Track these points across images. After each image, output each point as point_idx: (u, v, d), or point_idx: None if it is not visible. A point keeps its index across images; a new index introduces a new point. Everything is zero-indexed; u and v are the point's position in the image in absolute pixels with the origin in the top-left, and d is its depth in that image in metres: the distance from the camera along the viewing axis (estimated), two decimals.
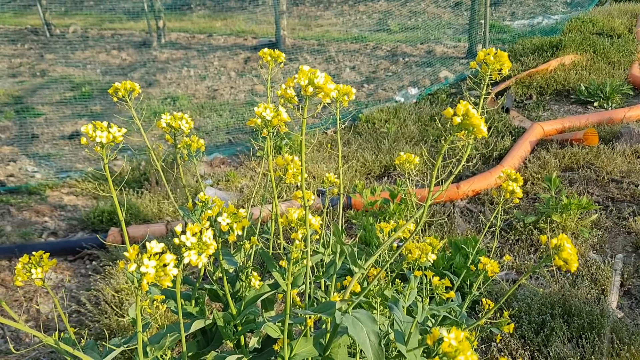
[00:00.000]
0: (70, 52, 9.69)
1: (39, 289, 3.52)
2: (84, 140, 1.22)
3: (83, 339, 1.49)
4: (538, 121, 5.39)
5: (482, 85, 1.36)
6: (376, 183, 4.55)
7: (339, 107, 1.38)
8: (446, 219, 3.84)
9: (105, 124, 1.22)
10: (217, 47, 9.67)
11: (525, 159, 4.64)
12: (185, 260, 1.05)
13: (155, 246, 1.06)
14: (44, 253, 1.31)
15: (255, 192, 1.94)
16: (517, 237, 3.61)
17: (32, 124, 6.57)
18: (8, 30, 11.32)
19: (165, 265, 1.06)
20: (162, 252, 1.06)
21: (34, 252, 1.32)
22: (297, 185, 4.55)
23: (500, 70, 1.32)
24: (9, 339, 3.12)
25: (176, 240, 1.07)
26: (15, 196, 4.81)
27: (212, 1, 12.82)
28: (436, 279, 1.72)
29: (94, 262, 3.79)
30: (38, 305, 3.38)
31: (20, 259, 1.29)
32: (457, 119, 1.21)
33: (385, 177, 4.71)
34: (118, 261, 3.58)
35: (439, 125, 4.65)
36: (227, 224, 1.18)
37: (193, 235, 1.06)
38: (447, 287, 1.73)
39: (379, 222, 2.92)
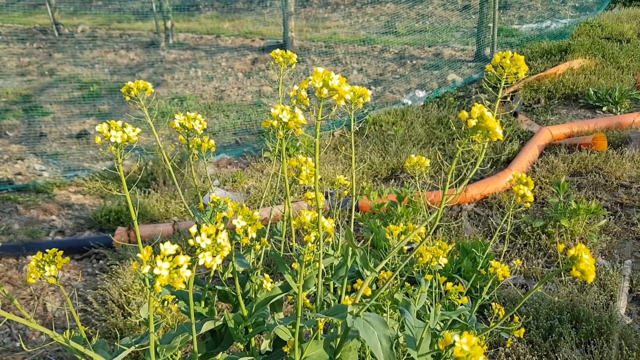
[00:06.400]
0: (78, 51, 9.72)
1: (47, 287, 3.52)
2: (98, 139, 1.22)
3: (93, 337, 1.49)
4: (546, 125, 5.37)
5: (497, 88, 1.36)
6: (383, 185, 4.54)
7: (353, 109, 1.38)
8: (454, 223, 3.82)
9: (119, 123, 1.22)
10: (225, 48, 9.69)
11: (534, 163, 4.62)
12: (200, 262, 1.05)
13: (168, 247, 1.06)
14: (57, 251, 1.31)
15: (266, 192, 1.93)
16: (525, 241, 3.60)
17: (40, 123, 6.59)
18: (17, 29, 11.37)
19: (178, 267, 1.05)
20: (176, 254, 1.05)
21: (47, 250, 1.32)
22: (304, 187, 4.55)
23: (517, 73, 1.31)
24: (16, 337, 3.12)
25: (191, 242, 1.07)
26: (23, 194, 4.83)
27: (220, 2, 12.84)
28: (449, 284, 1.71)
29: (100, 261, 3.80)
30: (47, 302, 3.38)
31: (33, 257, 1.29)
32: (473, 122, 1.20)
33: (393, 180, 4.70)
34: (125, 260, 3.58)
35: (448, 128, 4.62)
36: (242, 226, 1.18)
37: (208, 236, 1.05)
38: (459, 292, 1.72)
39: (387, 225, 2.91)
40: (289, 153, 5.00)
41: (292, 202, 4.06)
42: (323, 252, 1.49)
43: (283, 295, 1.64)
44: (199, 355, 1.64)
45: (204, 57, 9.20)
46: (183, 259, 1.05)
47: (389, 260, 1.72)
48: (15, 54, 9.64)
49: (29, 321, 1.37)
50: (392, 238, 1.78)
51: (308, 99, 1.33)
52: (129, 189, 1.35)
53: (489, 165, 4.76)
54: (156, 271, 1.03)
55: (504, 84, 1.32)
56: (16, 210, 4.54)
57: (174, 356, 1.45)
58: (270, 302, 1.62)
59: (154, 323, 1.34)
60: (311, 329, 1.82)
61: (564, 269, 1.24)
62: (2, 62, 9.21)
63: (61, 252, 1.32)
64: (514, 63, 1.30)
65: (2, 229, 4.22)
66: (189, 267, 1.06)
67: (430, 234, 1.37)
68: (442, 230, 3.72)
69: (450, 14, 10.67)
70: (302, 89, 1.29)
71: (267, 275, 1.62)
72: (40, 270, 1.28)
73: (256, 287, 1.63)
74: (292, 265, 1.55)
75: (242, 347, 1.65)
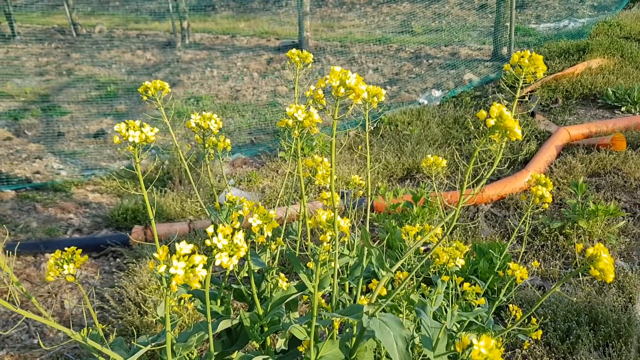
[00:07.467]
0: (96, 51, 9.82)
1: (64, 284, 3.56)
2: (116, 139, 1.23)
3: (110, 335, 1.50)
4: (564, 125, 5.31)
5: (515, 87, 1.34)
6: (398, 185, 4.52)
7: (368, 109, 1.37)
8: (470, 223, 3.80)
9: (137, 123, 1.23)
10: (241, 48, 9.72)
11: (551, 164, 4.57)
12: (217, 262, 1.05)
13: (184, 247, 1.06)
14: (76, 249, 1.32)
15: (282, 192, 1.94)
16: (543, 242, 3.56)
17: (58, 122, 6.66)
18: (35, 30, 11.51)
19: (194, 267, 1.05)
20: (192, 253, 1.06)
21: (66, 248, 1.33)
22: (319, 187, 4.55)
23: (535, 73, 1.29)
24: (34, 334, 3.16)
25: (208, 242, 1.07)
26: (41, 193, 4.89)
27: (236, 2, 12.89)
28: (466, 284, 1.70)
29: (117, 260, 3.83)
30: (64, 300, 3.42)
31: (52, 255, 1.30)
32: (491, 121, 1.19)
33: (408, 180, 4.68)
34: (142, 259, 3.61)
35: (464, 128, 4.58)
36: (258, 225, 1.18)
37: (225, 237, 1.05)
38: (477, 293, 1.71)
39: (402, 226, 2.90)
40: (304, 153, 5.00)
41: (307, 202, 4.07)
42: (338, 252, 1.48)
43: (298, 294, 1.64)
44: (215, 353, 1.65)
45: (219, 57, 9.24)
46: (198, 259, 1.05)
47: (405, 261, 1.71)
48: (34, 54, 9.76)
49: (46, 319, 1.39)
50: (408, 239, 1.77)
51: (324, 98, 1.33)
52: (146, 188, 1.35)
53: (506, 165, 4.72)
54: (172, 271, 1.03)
55: (522, 83, 1.31)
56: (34, 208, 4.60)
57: (190, 355, 1.45)
58: (286, 301, 1.62)
59: (171, 321, 1.35)
60: (326, 329, 1.82)
61: (582, 270, 1.22)
62: (21, 62, 9.33)
63: (80, 250, 1.33)
64: (532, 62, 1.28)
65: (21, 227, 4.27)
66: (205, 267, 1.06)
67: (447, 234, 1.36)
68: (458, 230, 3.70)
69: (466, 13, 10.60)
70: (319, 88, 1.28)
71: (282, 275, 1.62)
72: (59, 268, 1.29)
73: (272, 286, 1.63)
74: (308, 265, 1.55)
75: (257, 345, 1.65)
